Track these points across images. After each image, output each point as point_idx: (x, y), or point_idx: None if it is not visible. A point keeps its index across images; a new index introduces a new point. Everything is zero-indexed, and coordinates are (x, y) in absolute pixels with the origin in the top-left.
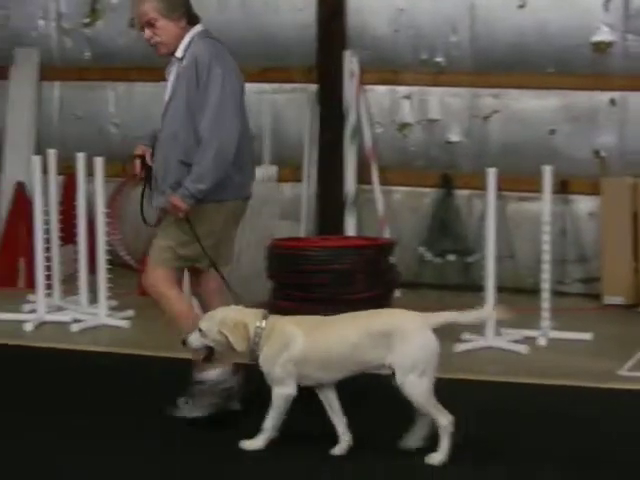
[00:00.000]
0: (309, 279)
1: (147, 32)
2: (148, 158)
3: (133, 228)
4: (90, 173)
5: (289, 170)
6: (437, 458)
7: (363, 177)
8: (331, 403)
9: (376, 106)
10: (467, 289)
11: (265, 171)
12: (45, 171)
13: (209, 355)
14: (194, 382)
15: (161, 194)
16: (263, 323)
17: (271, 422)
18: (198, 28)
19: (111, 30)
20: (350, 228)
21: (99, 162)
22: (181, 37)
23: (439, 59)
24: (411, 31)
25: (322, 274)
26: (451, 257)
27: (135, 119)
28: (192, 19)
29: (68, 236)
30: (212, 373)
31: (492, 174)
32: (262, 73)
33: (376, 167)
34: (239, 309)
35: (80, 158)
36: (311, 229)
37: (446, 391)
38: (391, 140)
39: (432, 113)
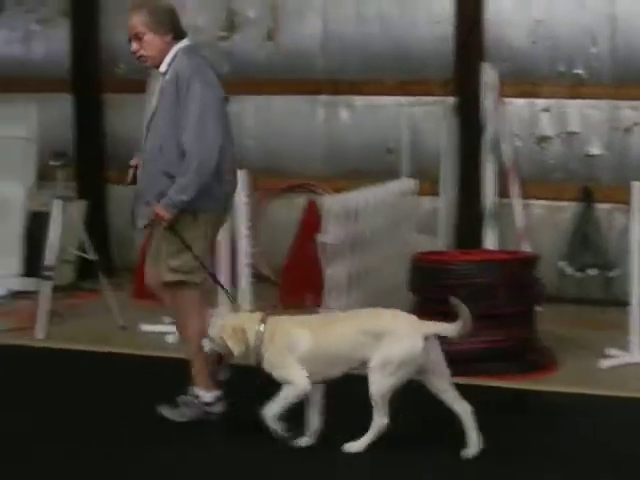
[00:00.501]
0: (452, 293)
1: (134, 45)
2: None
3: (271, 241)
4: None
5: (427, 183)
6: (354, 446)
7: (501, 190)
8: (315, 398)
9: (515, 119)
10: (609, 304)
11: (403, 184)
12: None
13: (220, 359)
14: (189, 393)
15: (145, 204)
16: (262, 327)
17: (273, 410)
18: (183, 43)
19: (248, 43)
20: (489, 242)
21: (242, 175)
22: (166, 52)
23: (578, 71)
24: (549, 42)
25: (465, 288)
26: (592, 272)
27: (273, 132)
28: (179, 34)
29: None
30: (207, 395)
31: (637, 188)
32: (400, 86)
33: (515, 180)
34: (239, 315)
35: None
36: (448, 243)
37: (591, 407)
38: (530, 153)
39: (571, 126)
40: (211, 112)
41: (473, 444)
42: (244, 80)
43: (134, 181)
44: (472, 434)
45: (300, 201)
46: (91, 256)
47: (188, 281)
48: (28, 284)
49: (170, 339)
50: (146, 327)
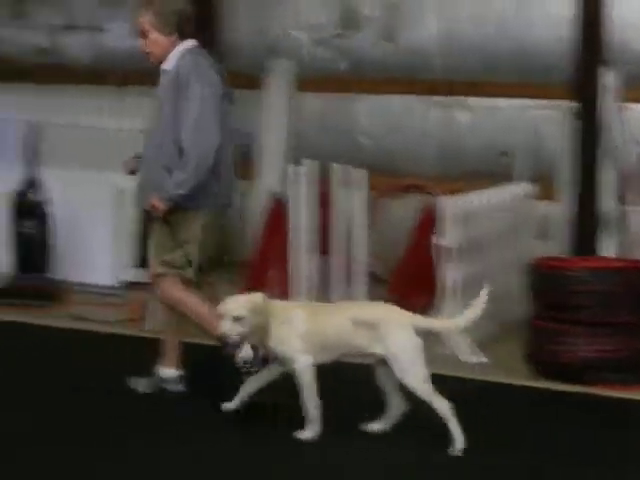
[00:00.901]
0: (572, 300)
1: (141, 41)
2: None
3: (384, 240)
4: (346, 185)
5: (544, 188)
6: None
7: (620, 196)
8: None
9: (636, 124)
10: None
11: (521, 188)
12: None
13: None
14: (158, 375)
15: (143, 196)
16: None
17: (311, 404)
18: (188, 43)
19: (366, 41)
20: (607, 249)
21: (359, 174)
22: (170, 50)
23: None
24: None
25: (585, 295)
26: None
27: (387, 131)
28: (185, 34)
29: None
30: (171, 372)
31: None
32: (517, 88)
33: (635, 187)
34: (247, 295)
35: (338, 170)
36: (564, 249)
37: None
38: None
39: None
40: (210, 111)
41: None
42: (360, 78)
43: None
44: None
45: (414, 202)
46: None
47: (180, 275)
48: (140, 275)
49: None
50: None
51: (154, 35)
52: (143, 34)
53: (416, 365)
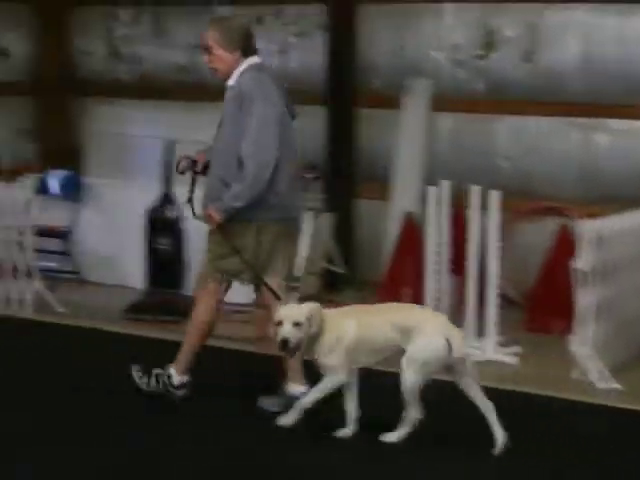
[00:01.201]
0: None
1: (205, 56)
2: (199, 166)
3: (518, 262)
4: (482, 206)
5: None
6: (391, 437)
7: None
8: (352, 389)
9: None
10: None
11: None
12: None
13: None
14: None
15: (203, 206)
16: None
17: (311, 397)
18: (252, 60)
19: (506, 62)
20: None
21: (495, 196)
22: (234, 67)
23: None
24: None
25: None
26: None
27: (526, 153)
28: (250, 51)
29: (454, 268)
30: (180, 378)
31: None
32: None
33: None
34: (304, 304)
35: (475, 191)
36: None
37: None
38: None
39: None
40: (269, 127)
41: (498, 441)
42: (499, 99)
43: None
44: (496, 431)
45: (551, 224)
46: (340, 269)
47: (236, 280)
48: None
49: None
50: None
51: (219, 52)
52: (208, 50)
53: (417, 366)
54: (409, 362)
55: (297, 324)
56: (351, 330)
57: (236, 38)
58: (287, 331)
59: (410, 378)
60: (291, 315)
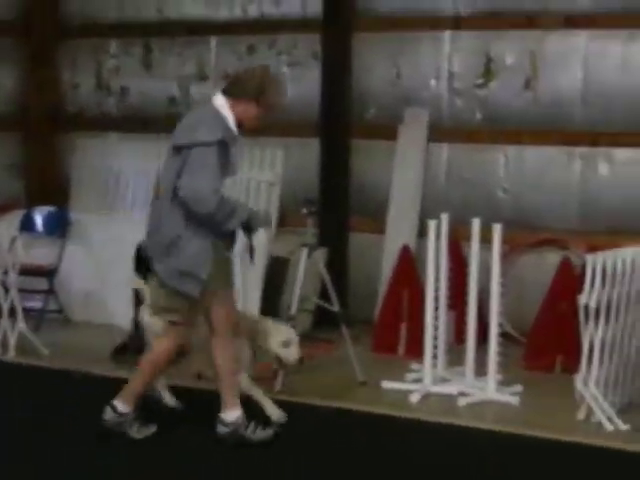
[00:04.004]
0: None
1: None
2: None
3: (518, 298)
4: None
5: None
6: None
7: None
8: None
9: None
10: None
11: None
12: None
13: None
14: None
15: None
16: None
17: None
18: None
19: (505, 91)
20: None
21: (497, 230)
22: None
23: None
24: None
25: None
26: None
27: (526, 183)
28: None
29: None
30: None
31: None
32: None
33: None
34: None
35: (476, 224)
36: None
37: None
38: None
39: None
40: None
41: None
42: (498, 129)
43: None
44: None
45: (552, 257)
46: (335, 307)
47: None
48: None
49: (414, 398)
50: (387, 384)
51: None
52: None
53: None
54: None
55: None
56: None
57: None
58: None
59: None
60: (294, 336)
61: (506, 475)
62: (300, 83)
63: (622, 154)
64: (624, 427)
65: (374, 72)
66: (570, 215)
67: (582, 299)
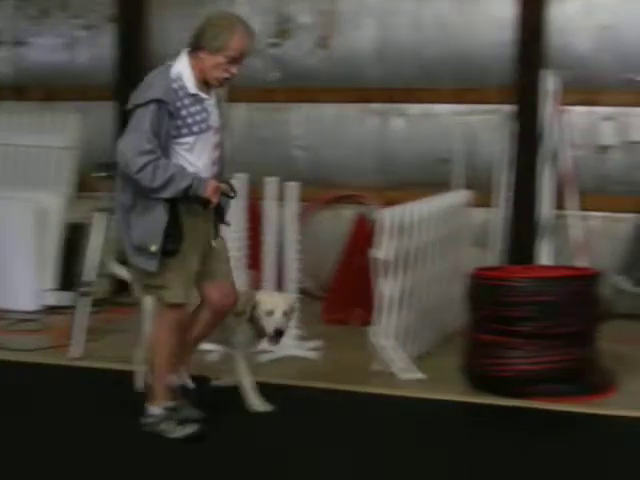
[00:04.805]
0: (514, 312)
1: (235, 69)
2: None
3: (316, 255)
4: (278, 197)
5: (480, 194)
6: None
7: (558, 201)
8: None
9: (575, 127)
10: None
11: (458, 196)
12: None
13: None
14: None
15: None
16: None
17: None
18: None
19: (300, 50)
20: (544, 256)
21: (292, 188)
22: None
23: None
24: (616, 50)
25: (528, 306)
26: None
27: (323, 141)
28: None
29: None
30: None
31: None
32: (456, 94)
33: (574, 191)
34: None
35: (271, 183)
36: (501, 256)
37: None
38: (590, 163)
39: (635, 135)
40: None
41: None
42: (294, 88)
43: None
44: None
45: (348, 213)
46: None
47: None
48: (64, 299)
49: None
50: None
51: None
52: (242, 61)
53: None
54: None
55: (285, 313)
56: None
57: None
58: (280, 321)
59: None
60: (281, 304)
61: (303, 428)
62: (97, 47)
63: (415, 109)
64: (420, 375)
65: (170, 33)
66: (366, 171)
67: (373, 253)
